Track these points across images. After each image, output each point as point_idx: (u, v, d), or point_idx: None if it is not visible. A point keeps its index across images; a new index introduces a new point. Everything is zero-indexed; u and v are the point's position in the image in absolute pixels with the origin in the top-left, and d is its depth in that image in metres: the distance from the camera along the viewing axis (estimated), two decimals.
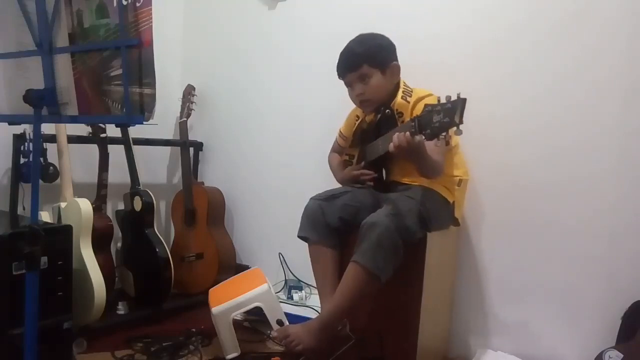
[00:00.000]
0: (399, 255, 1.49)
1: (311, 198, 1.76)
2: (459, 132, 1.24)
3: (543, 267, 1.76)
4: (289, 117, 2.38)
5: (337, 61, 1.74)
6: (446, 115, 1.24)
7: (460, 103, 1.22)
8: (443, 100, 1.28)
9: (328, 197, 1.73)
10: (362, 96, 1.72)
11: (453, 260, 1.90)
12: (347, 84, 1.77)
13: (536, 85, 1.76)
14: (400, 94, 1.70)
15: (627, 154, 1.62)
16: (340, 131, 2.00)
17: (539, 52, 1.75)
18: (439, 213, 1.65)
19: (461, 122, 1.22)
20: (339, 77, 1.77)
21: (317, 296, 1.75)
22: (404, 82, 1.74)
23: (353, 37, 1.76)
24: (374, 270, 1.46)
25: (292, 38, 2.35)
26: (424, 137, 1.33)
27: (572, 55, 1.69)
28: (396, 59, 1.73)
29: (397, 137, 1.38)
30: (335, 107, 1.99)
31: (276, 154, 2.44)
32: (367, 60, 1.68)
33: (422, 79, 1.78)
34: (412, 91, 1.71)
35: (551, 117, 1.74)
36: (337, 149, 2.03)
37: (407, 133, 1.36)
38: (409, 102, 1.67)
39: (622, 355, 1.47)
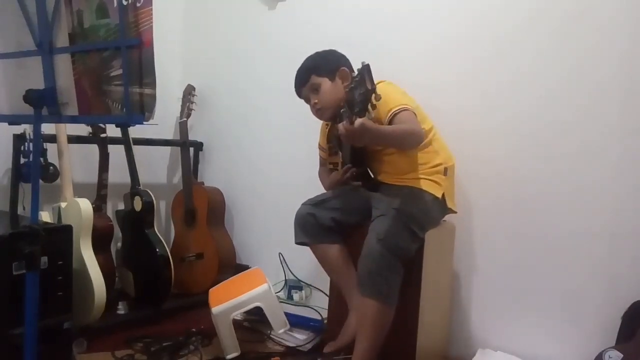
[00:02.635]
0: (400, 274, 1.49)
1: (302, 204, 1.77)
2: (378, 97, 1.26)
3: (543, 267, 1.76)
4: (289, 117, 2.37)
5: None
6: (362, 87, 1.25)
7: (365, 70, 1.25)
8: (355, 75, 1.29)
9: (318, 202, 1.74)
10: (316, 105, 1.77)
11: (450, 259, 1.90)
12: (305, 100, 1.82)
13: (537, 89, 1.76)
14: None
15: (627, 155, 1.62)
16: (319, 144, 2.02)
17: (539, 57, 1.75)
18: (429, 214, 1.64)
19: (373, 86, 1.24)
20: (298, 97, 1.83)
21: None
22: None
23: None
24: (380, 298, 1.47)
25: (292, 38, 2.35)
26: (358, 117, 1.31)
27: (573, 57, 1.69)
28: (344, 66, 1.76)
29: (339, 129, 1.36)
30: None
31: (276, 153, 2.44)
32: (314, 71, 1.75)
33: (422, 81, 1.78)
34: None
35: (552, 119, 1.74)
36: (322, 162, 2.05)
37: (345, 121, 1.34)
38: None
39: (621, 355, 1.47)
